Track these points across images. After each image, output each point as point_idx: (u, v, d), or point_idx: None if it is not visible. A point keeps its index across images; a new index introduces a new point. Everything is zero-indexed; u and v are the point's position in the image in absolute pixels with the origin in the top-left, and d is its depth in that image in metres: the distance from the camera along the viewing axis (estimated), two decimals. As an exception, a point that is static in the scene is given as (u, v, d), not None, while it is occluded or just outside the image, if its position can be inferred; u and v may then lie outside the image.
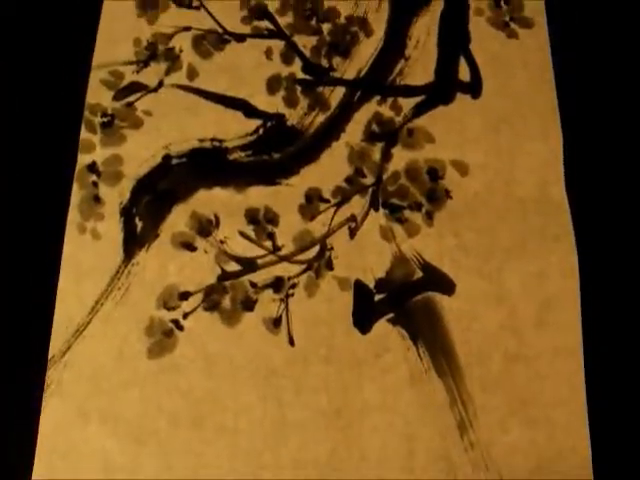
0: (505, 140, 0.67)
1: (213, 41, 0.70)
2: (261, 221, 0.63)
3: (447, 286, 0.62)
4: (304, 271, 0.62)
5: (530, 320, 0.61)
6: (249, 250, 0.63)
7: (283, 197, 0.64)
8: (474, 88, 0.69)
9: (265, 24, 0.71)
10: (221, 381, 0.59)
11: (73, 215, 0.64)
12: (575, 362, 0.61)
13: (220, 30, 0.70)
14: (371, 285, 0.62)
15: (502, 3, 0.73)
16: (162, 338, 0.60)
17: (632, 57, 0.71)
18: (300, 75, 0.69)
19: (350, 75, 0.69)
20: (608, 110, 0.69)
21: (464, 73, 0.70)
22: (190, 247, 0.63)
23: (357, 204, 0.64)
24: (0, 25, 0.70)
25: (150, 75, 0.68)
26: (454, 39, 0.71)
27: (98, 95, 0.68)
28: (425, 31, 0.71)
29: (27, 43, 0.70)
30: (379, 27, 0.71)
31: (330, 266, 0.63)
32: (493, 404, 0.59)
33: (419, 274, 0.63)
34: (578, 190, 0.66)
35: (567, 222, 0.64)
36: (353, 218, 0.64)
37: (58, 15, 0.71)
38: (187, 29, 0.70)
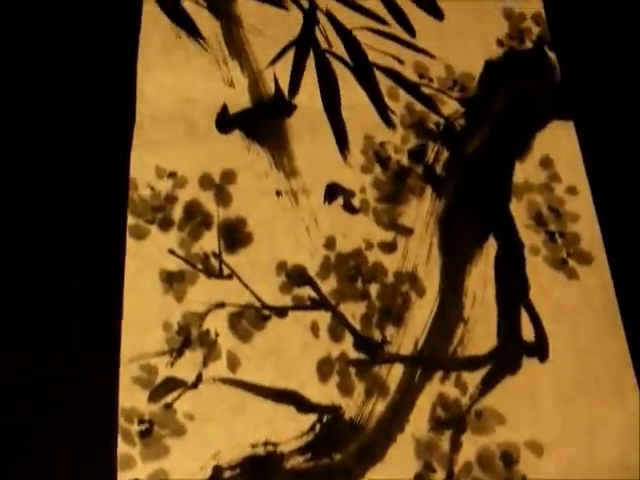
0: (580, 411, 0.62)
1: (252, 319, 0.63)
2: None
3: None
4: None
5: None
6: None
7: (351, 505, 0.59)
8: (540, 349, 0.64)
9: (307, 291, 0.64)
10: None
11: None
12: None
13: (258, 304, 0.64)
14: None
15: (557, 237, 0.68)
16: None
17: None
18: (352, 353, 0.63)
19: (406, 348, 0.63)
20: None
21: (527, 329, 0.65)
22: None
23: (429, 505, 0.59)
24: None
25: (186, 367, 0.61)
26: (513, 290, 0.65)
27: (132, 397, 0.60)
28: (482, 284, 0.65)
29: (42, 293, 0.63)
30: (431, 284, 0.65)
31: None
32: None
33: None
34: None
35: (655, 502, 0.60)
36: (428, 526, 0.59)
37: (77, 276, 0.64)
38: (221, 305, 0.63)
